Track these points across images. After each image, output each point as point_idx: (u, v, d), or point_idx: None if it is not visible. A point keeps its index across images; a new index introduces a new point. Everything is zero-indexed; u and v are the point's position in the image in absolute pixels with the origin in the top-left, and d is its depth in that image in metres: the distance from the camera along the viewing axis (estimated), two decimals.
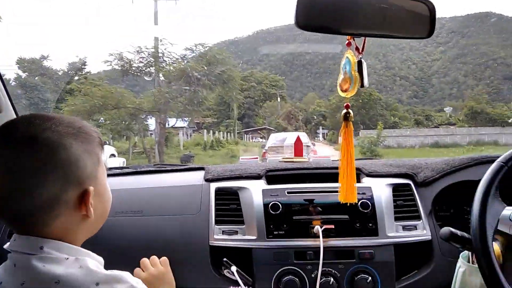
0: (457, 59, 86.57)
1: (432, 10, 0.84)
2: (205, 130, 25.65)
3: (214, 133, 25.99)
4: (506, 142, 25.97)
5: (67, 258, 0.65)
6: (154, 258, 1.14)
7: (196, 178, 1.41)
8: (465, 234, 0.91)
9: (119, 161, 9.53)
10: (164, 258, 1.15)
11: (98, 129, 0.77)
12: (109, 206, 0.80)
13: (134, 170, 1.58)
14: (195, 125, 27.54)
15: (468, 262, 0.99)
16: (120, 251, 1.20)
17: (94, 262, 0.68)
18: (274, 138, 14.98)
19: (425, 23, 0.85)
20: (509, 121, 31.30)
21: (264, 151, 12.64)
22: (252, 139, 34.67)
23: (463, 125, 33.06)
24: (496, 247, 0.90)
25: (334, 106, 33.50)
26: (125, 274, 0.68)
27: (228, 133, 29.79)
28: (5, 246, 0.68)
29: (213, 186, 1.34)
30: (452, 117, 39.32)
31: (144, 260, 1.13)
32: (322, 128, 38.38)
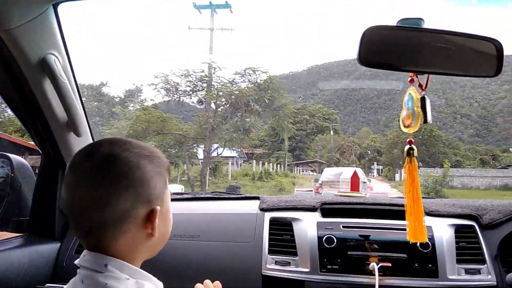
0: None
1: (499, 49, 0.83)
2: (255, 161, 25.69)
3: (263, 164, 26.02)
4: None
5: (128, 279, 0.68)
6: (208, 282, 1.16)
7: (251, 207, 1.45)
8: None
9: (178, 188, 10.09)
10: (217, 283, 1.17)
11: None
12: (170, 228, 0.83)
13: (193, 196, 1.66)
14: (245, 156, 27.81)
15: None
16: (175, 273, 1.25)
17: (152, 287, 0.71)
18: (328, 173, 14.69)
19: (492, 62, 0.83)
20: None
21: (318, 185, 12.29)
22: (303, 171, 34.28)
23: None
24: None
25: (391, 142, 32.24)
26: None
27: (278, 165, 29.72)
28: (76, 262, 0.73)
29: (268, 215, 1.37)
30: None
31: (199, 285, 1.16)
32: (377, 164, 36.91)
